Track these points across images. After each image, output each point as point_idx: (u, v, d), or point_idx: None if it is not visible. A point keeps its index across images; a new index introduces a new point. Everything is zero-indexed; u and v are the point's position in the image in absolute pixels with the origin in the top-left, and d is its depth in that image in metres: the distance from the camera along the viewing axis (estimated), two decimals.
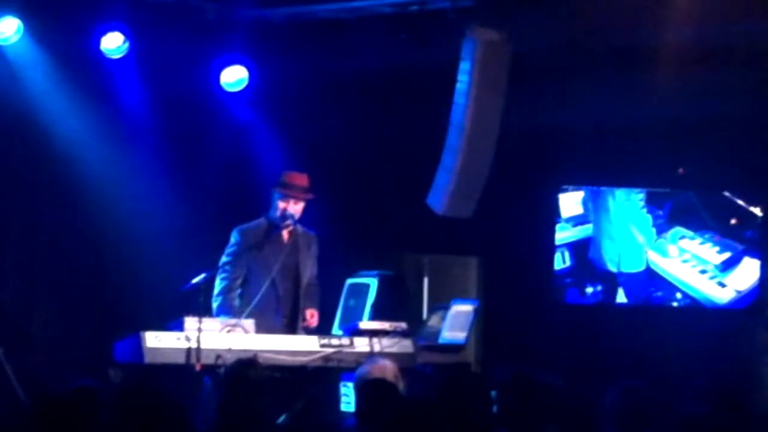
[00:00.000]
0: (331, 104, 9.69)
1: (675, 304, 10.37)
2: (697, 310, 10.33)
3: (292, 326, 7.76)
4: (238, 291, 7.79)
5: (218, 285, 7.69)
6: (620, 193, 10.40)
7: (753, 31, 8.65)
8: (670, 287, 10.36)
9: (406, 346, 7.59)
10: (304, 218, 7.96)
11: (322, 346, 7.39)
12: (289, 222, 7.79)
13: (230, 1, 8.97)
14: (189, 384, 7.09)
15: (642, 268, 10.40)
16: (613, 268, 10.41)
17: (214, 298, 7.62)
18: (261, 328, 7.43)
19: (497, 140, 8.68)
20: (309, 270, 7.90)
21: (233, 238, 7.83)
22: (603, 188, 10.40)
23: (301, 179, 7.90)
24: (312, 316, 7.82)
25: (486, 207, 8.89)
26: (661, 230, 10.41)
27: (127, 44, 8.83)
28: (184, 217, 9.61)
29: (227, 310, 7.58)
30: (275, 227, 7.83)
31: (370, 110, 9.81)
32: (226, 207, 9.57)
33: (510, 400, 5.29)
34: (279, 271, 7.73)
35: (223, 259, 7.75)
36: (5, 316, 9.01)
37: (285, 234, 7.87)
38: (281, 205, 7.82)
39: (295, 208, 7.82)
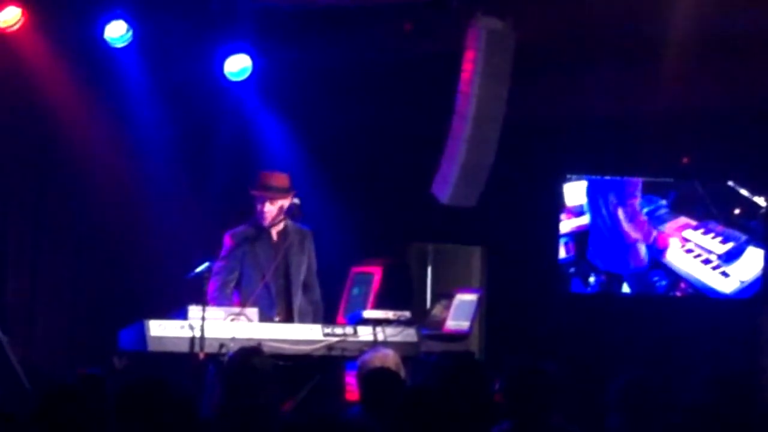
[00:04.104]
0: (335, 93, 9.68)
1: (678, 294, 10.36)
2: (701, 300, 10.32)
3: (287, 322, 7.73)
4: (233, 290, 7.75)
5: (211, 286, 7.63)
6: (617, 189, 10.37)
7: (757, 21, 8.64)
8: (674, 277, 10.35)
9: (409, 335, 7.59)
10: (306, 209, 7.92)
11: (326, 335, 7.38)
12: (279, 221, 7.75)
13: None
14: (192, 372, 7.10)
15: (642, 265, 10.38)
16: (602, 267, 10.40)
17: (209, 297, 7.56)
18: None
19: (501, 129, 8.67)
20: (303, 267, 7.85)
21: (225, 241, 7.80)
22: (600, 183, 10.37)
23: (274, 179, 7.82)
24: None
25: (490, 196, 8.88)
26: (664, 220, 10.39)
27: (130, 33, 8.82)
28: (188, 206, 9.61)
29: (224, 304, 7.55)
30: (263, 229, 7.79)
31: (374, 99, 9.80)
32: (230, 195, 9.56)
33: (516, 389, 5.30)
34: (272, 271, 7.70)
35: (217, 263, 7.69)
36: (8, 304, 9.02)
37: (275, 234, 7.83)
38: (257, 207, 7.79)
39: (271, 208, 7.76)
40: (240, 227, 7.83)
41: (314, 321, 7.86)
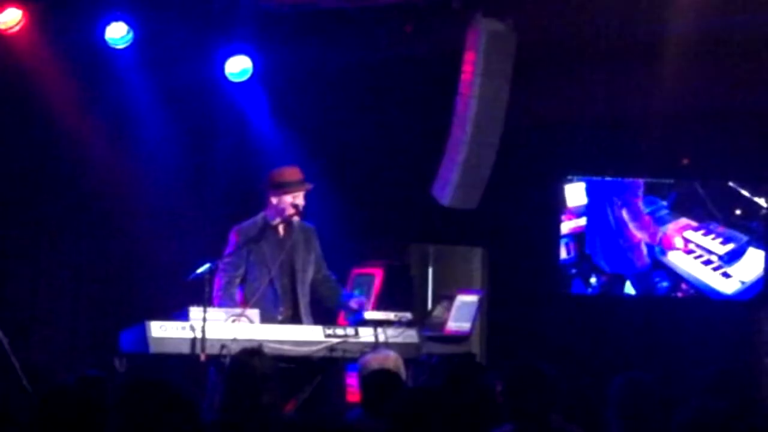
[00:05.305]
0: (335, 94, 9.69)
1: (680, 294, 10.36)
2: (702, 301, 10.31)
3: (293, 320, 7.72)
4: (238, 287, 7.74)
5: (217, 284, 7.62)
6: (620, 189, 10.36)
7: (757, 21, 8.64)
8: (675, 278, 10.34)
9: (411, 336, 7.59)
10: (306, 210, 7.91)
11: (327, 336, 7.38)
12: (292, 212, 7.73)
13: None
14: (193, 374, 7.10)
15: (645, 264, 10.36)
16: (606, 268, 10.39)
17: (214, 295, 7.56)
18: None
19: (502, 131, 8.67)
20: (311, 264, 7.84)
21: (231, 237, 7.79)
22: (603, 184, 10.36)
23: (297, 172, 7.81)
24: (359, 304, 7.80)
25: (491, 197, 8.89)
26: (665, 221, 10.39)
27: (131, 34, 8.83)
28: (189, 207, 9.62)
29: (228, 304, 7.55)
30: (269, 225, 7.76)
31: (375, 100, 9.81)
32: (230, 197, 9.58)
33: (516, 391, 5.30)
34: (277, 267, 7.70)
35: (223, 258, 7.68)
36: (9, 305, 9.02)
37: (281, 230, 7.82)
38: (289, 200, 7.72)
39: (301, 201, 7.76)
40: (246, 222, 7.82)
41: (335, 296, 7.88)
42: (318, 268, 7.87)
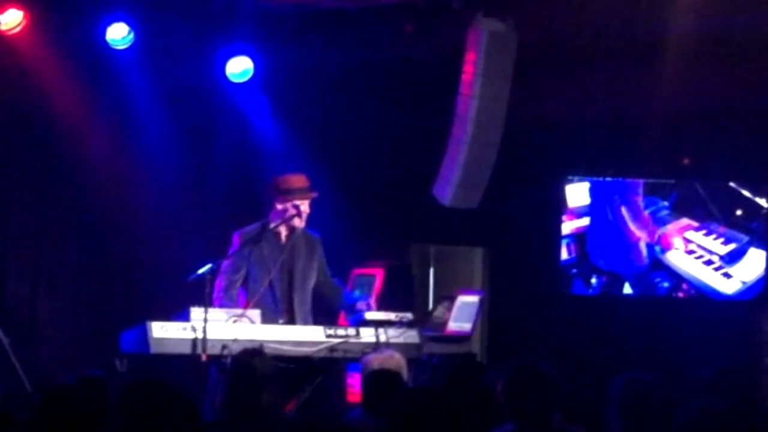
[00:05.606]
0: (336, 94, 9.70)
1: (681, 294, 10.35)
2: (703, 301, 10.31)
3: (289, 324, 7.72)
4: (240, 289, 7.74)
5: (218, 286, 7.62)
6: (620, 188, 10.36)
7: (757, 21, 8.65)
8: (676, 278, 10.34)
9: (411, 336, 7.59)
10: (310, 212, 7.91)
11: (328, 336, 7.38)
12: (293, 213, 7.72)
13: None
14: (195, 374, 7.10)
15: (644, 264, 10.36)
16: (604, 267, 10.39)
17: (214, 297, 7.56)
18: None
19: (503, 130, 8.67)
20: (313, 270, 7.84)
21: (233, 239, 7.79)
22: (603, 183, 10.36)
23: (303, 179, 7.82)
24: (367, 307, 7.79)
25: (492, 197, 8.89)
26: (665, 221, 10.38)
27: (132, 35, 8.84)
28: (190, 208, 9.63)
29: (229, 305, 7.55)
30: (271, 229, 7.75)
31: (375, 100, 9.82)
32: (230, 197, 9.58)
33: (517, 390, 5.30)
34: (277, 271, 7.70)
35: (224, 261, 7.68)
36: (10, 306, 9.02)
37: (283, 234, 7.82)
38: (299, 209, 7.71)
39: (306, 209, 7.76)
40: (249, 227, 7.82)
41: (337, 296, 7.90)
42: (321, 273, 7.89)
